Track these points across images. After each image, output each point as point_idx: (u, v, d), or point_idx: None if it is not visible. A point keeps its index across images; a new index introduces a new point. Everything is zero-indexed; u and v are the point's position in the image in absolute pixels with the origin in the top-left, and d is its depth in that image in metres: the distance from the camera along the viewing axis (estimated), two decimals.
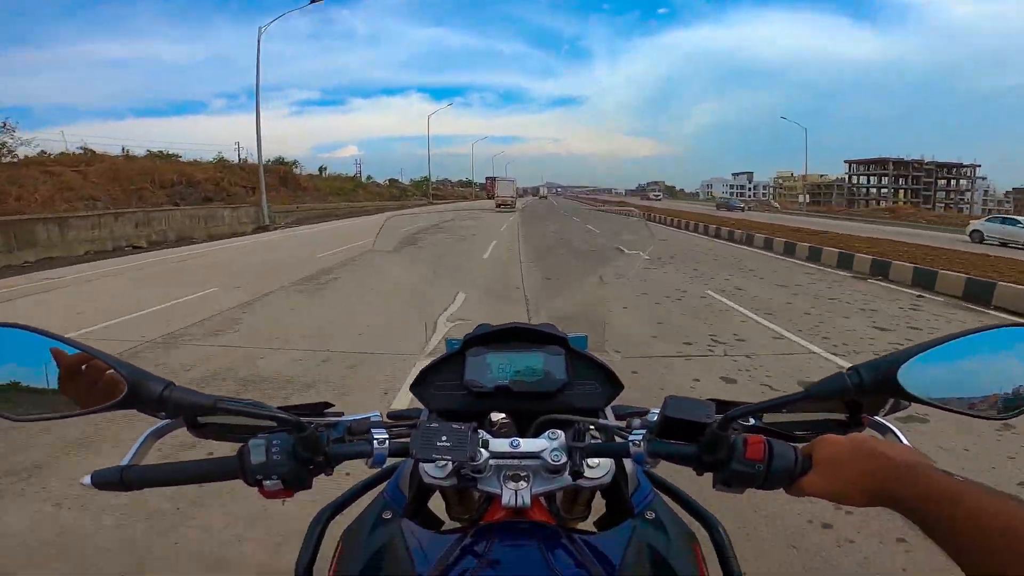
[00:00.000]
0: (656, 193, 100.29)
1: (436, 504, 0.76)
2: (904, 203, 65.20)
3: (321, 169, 46.61)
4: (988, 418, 0.52)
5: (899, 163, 76.79)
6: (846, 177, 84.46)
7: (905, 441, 0.60)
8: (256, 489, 0.58)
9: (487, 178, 65.02)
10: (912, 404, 0.54)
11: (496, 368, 0.74)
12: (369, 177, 57.60)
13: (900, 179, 76.23)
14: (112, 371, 0.52)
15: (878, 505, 0.48)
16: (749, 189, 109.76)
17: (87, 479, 0.57)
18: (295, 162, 40.64)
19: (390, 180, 61.10)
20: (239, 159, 31.43)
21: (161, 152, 28.87)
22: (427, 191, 55.78)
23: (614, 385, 0.76)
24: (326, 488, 0.65)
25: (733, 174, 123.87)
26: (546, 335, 0.77)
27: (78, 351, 0.52)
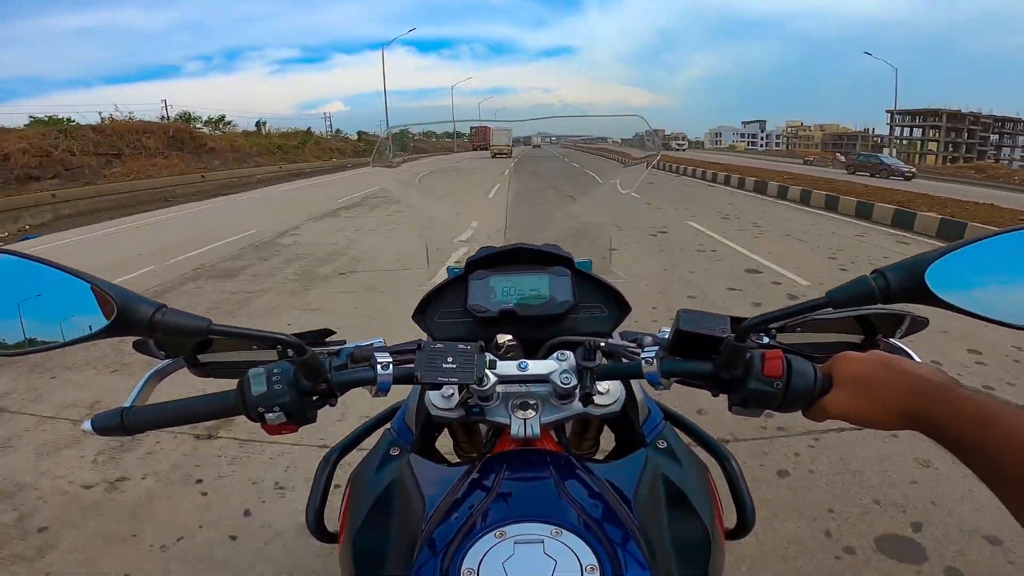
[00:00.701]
0: (680, 143, 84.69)
1: (443, 446, 0.75)
2: (955, 159, 58.89)
3: (259, 124, 37.28)
4: (1018, 327, 0.47)
5: (954, 115, 66.07)
6: (868, 129, 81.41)
7: (919, 361, 0.55)
8: (260, 426, 0.56)
9: (472, 127, 58.76)
10: (928, 326, 0.56)
11: (500, 291, 0.73)
12: (338, 131, 49.61)
13: (952, 132, 66.87)
14: (101, 294, 0.48)
15: (907, 428, 0.46)
16: (761, 138, 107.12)
17: (87, 424, 0.55)
18: (196, 118, 31.29)
19: (359, 133, 52.66)
20: (107, 119, 22.76)
21: None
22: (384, 147, 35.06)
23: (621, 307, 0.75)
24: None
25: (743, 122, 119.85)
26: (551, 255, 0.75)
27: (64, 274, 0.48)
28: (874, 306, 0.50)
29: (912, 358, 0.59)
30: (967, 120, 66.89)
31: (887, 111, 74.73)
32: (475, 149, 50.97)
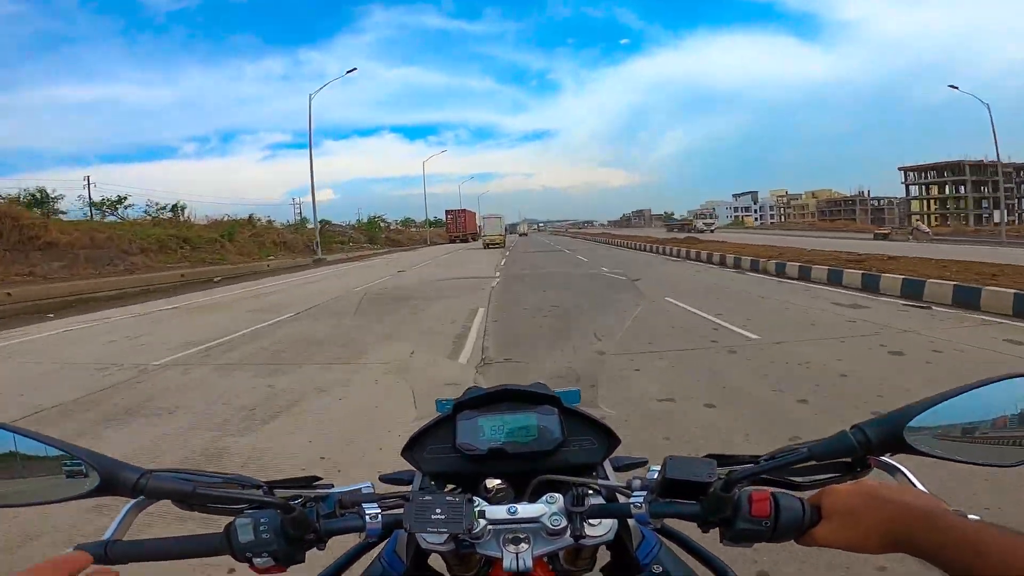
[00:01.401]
0: (708, 221, 71.73)
1: (436, 559, 0.73)
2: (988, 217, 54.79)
3: (176, 209, 29.21)
4: (999, 466, 0.53)
5: (977, 166, 61.89)
6: (863, 192, 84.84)
7: (916, 482, 0.58)
8: (247, 566, 0.58)
9: (448, 212, 53.20)
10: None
11: (488, 430, 0.73)
12: (303, 220, 40.30)
13: (970, 187, 62.65)
14: (85, 464, 0.55)
15: (896, 551, 0.48)
16: (755, 210, 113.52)
17: (69, 551, 0.55)
18: (55, 198, 24.49)
19: (322, 222, 39.22)
20: None
21: None
22: (313, 240, 30.87)
23: (611, 439, 0.75)
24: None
25: (734, 195, 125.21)
26: (538, 395, 0.76)
27: (47, 445, 0.55)
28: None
29: (906, 475, 0.60)
30: (988, 171, 59.51)
31: (899, 168, 69.54)
32: (452, 240, 51.47)
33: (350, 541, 0.69)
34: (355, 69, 37.17)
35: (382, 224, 57.92)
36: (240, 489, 0.61)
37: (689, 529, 0.67)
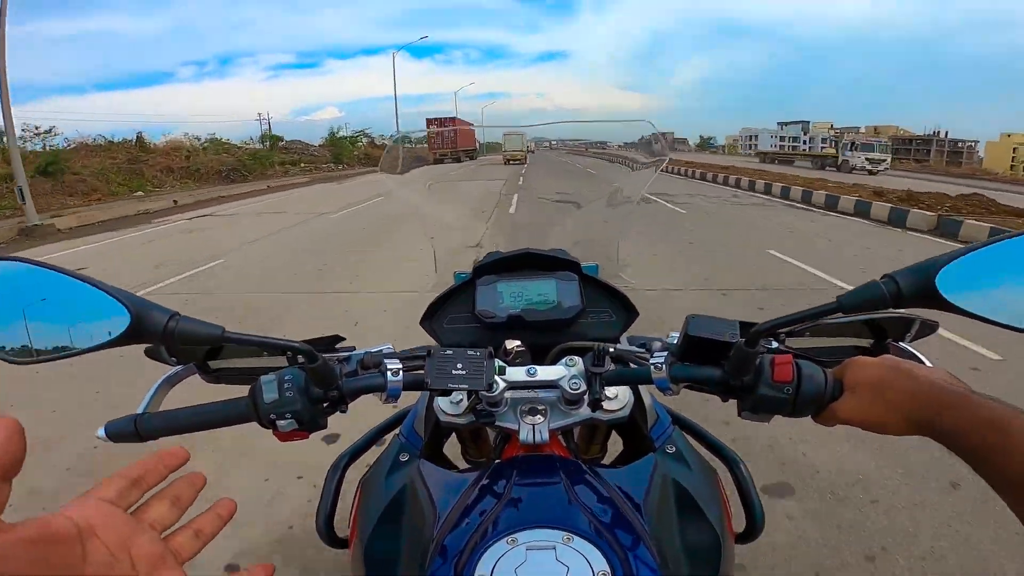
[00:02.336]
0: (876, 156, 33.21)
1: (451, 452, 0.76)
2: None
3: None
4: None
5: None
6: (937, 131, 68.22)
7: (930, 365, 0.55)
8: (271, 433, 0.57)
9: (430, 122, 38.98)
10: (938, 328, 0.54)
11: (508, 296, 0.73)
12: (272, 138, 36.04)
13: None
14: (115, 302, 0.49)
15: (919, 434, 0.46)
16: (804, 142, 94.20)
17: (101, 431, 0.56)
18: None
19: (330, 135, 41.99)
20: None
21: None
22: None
23: (630, 312, 0.75)
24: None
25: (780, 123, 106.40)
26: (558, 260, 0.76)
27: (77, 282, 0.48)
28: (884, 310, 0.51)
29: (923, 362, 0.60)
30: None
31: None
32: (437, 160, 33.01)
33: (370, 424, 0.75)
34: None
35: (362, 141, 45.60)
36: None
37: (702, 418, 0.73)
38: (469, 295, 0.74)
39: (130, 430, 0.55)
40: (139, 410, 0.60)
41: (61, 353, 0.48)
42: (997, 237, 0.47)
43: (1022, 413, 0.40)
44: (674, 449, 0.67)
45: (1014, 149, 63.71)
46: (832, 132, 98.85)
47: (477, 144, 55.68)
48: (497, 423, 0.62)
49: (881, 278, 0.49)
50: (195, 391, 0.70)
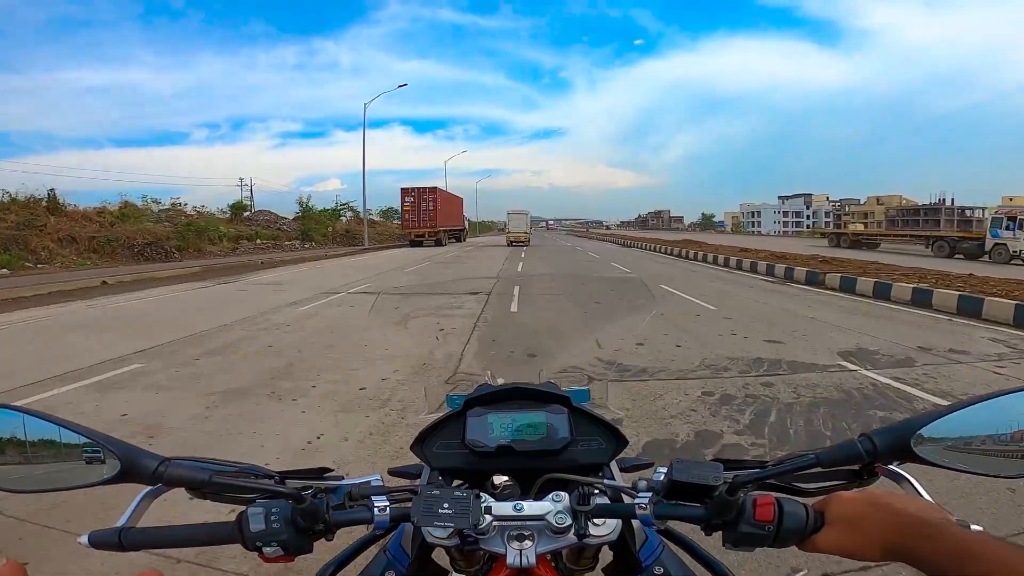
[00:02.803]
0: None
1: (440, 554, 0.76)
2: None
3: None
4: (1005, 477, 0.54)
5: None
6: (943, 199, 67.86)
7: (922, 491, 0.59)
8: (256, 554, 0.59)
9: (405, 193, 34.20)
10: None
11: (498, 427, 0.75)
12: (235, 207, 32.57)
13: None
14: (107, 450, 0.55)
15: (895, 561, 0.49)
16: (808, 216, 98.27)
17: (84, 538, 0.58)
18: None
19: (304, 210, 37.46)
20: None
21: None
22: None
23: (618, 441, 0.77)
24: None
25: (781, 197, 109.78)
26: (548, 394, 0.78)
27: (70, 431, 0.55)
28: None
29: (912, 484, 0.62)
30: None
31: None
32: (414, 242, 31.84)
33: (356, 533, 0.72)
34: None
35: (344, 214, 41.94)
36: (253, 479, 0.62)
37: (693, 533, 0.71)
38: (460, 424, 0.76)
39: (114, 541, 0.58)
40: (121, 522, 0.61)
41: (55, 487, 0.56)
42: (969, 399, 0.53)
43: (1001, 545, 0.43)
44: (662, 570, 0.69)
45: None
46: (832, 205, 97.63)
47: (466, 223, 46.49)
48: (483, 547, 0.63)
49: (859, 437, 0.55)
50: (175, 497, 0.69)
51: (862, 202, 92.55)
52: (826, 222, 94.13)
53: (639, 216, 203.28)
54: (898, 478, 0.64)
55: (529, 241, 35.77)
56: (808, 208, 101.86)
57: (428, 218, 33.63)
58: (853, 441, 0.56)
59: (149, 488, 0.65)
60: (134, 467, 0.56)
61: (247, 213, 35.18)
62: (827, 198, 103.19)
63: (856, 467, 0.62)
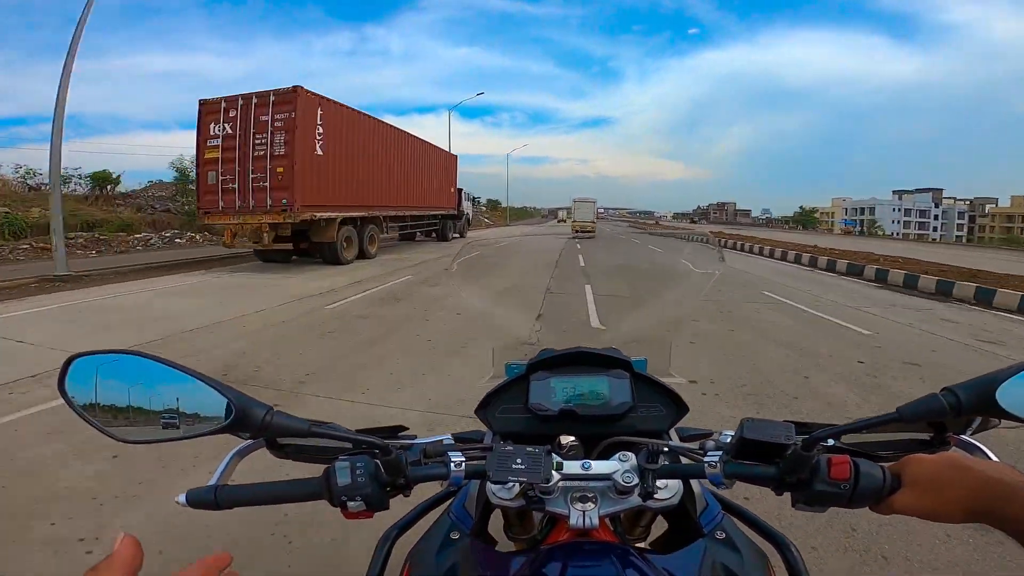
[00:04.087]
0: None
1: (493, 527, 0.77)
2: None
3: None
4: None
5: None
6: None
7: (995, 459, 0.59)
8: (339, 510, 0.60)
9: (205, 106, 11.10)
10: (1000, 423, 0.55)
11: (560, 391, 0.78)
12: (98, 177, 20.32)
13: None
14: (219, 395, 0.55)
15: (976, 521, 0.50)
16: (935, 217, 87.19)
17: (182, 497, 0.61)
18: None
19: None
20: None
21: None
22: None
23: (679, 407, 0.79)
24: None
25: (895, 192, 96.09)
26: (610, 359, 0.80)
27: (187, 376, 0.55)
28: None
29: (986, 453, 0.61)
30: None
31: None
32: (265, 255, 12.19)
33: (421, 498, 0.77)
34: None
35: None
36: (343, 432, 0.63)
37: (750, 504, 0.75)
38: (522, 389, 0.78)
39: (210, 499, 0.61)
40: (213, 480, 0.64)
41: (165, 437, 0.55)
42: None
43: None
44: (724, 535, 0.69)
45: None
46: (967, 204, 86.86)
47: (465, 203, 23.84)
48: (548, 508, 0.65)
49: (941, 391, 0.53)
50: (257, 460, 0.73)
51: (999, 203, 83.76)
52: (959, 223, 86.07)
53: (699, 207, 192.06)
54: (971, 448, 0.63)
55: (595, 230, 30.73)
56: (937, 207, 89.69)
57: (289, 182, 10.94)
58: (935, 395, 0.53)
59: (239, 446, 0.70)
60: (245, 414, 0.56)
61: (121, 188, 21.92)
62: (937, 196, 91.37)
63: (927, 437, 0.63)
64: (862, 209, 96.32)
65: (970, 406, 0.52)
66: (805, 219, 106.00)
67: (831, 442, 0.64)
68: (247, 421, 0.56)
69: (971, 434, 0.64)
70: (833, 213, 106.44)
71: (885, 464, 0.57)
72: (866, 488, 0.55)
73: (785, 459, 0.57)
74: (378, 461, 0.60)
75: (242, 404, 0.56)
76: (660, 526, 0.79)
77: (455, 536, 0.71)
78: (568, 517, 0.63)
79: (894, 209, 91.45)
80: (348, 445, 0.64)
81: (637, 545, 0.74)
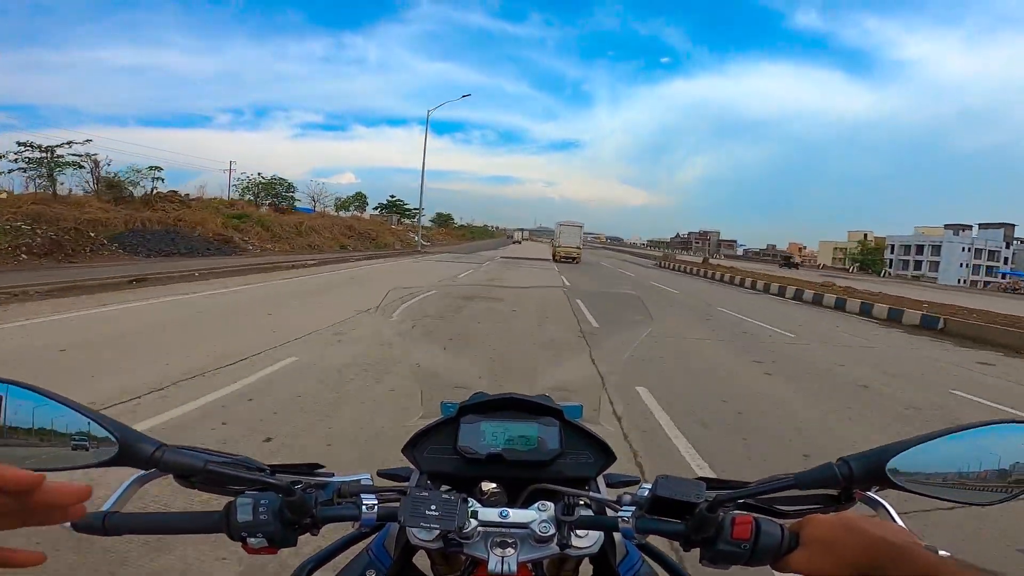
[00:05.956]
0: None
1: (421, 560, 0.78)
2: None
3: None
4: (977, 504, 0.56)
5: None
6: None
7: (896, 517, 0.62)
8: (240, 544, 0.60)
9: None
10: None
11: (490, 435, 0.78)
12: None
13: None
14: (103, 429, 0.55)
15: None
16: (1006, 258, 78.85)
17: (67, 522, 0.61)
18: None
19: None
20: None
21: None
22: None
23: (607, 456, 0.80)
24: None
25: (947, 226, 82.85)
26: (541, 406, 0.81)
27: (69, 409, 0.54)
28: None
29: (888, 511, 0.64)
30: None
31: None
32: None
33: (340, 531, 0.74)
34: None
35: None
36: (245, 470, 0.63)
37: (672, 553, 0.77)
38: (452, 430, 0.78)
39: (98, 524, 0.59)
40: (106, 506, 0.63)
41: (47, 467, 0.52)
42: (946, 429, 0.55)
43: (955, 565, 0.48)
44: None
45: None
46: None
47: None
48: (466, 551, 0.65)
49: (836, 461, 0.58)
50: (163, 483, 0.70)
51: None
52: None
53: (677, 235, 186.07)
54: (875, 504, 0.66)
55: (580, 258, 30.60)
56: (1008, 247, 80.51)
57: None
58: (830, 464, 0.58)
59: (139, 473, 0.66)
60: (130, 450, 0.56)
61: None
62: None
63: (835, 492, 0.64)
64: (920, 247, 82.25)
65: (860, 477, 0.57)
66: (868, 260, 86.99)
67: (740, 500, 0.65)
68: (133, 456, 0.56)
69: (877, 491, 0.66)
70: (842, 249, 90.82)
71: (787, 523, 0.59)
72: (765, 547, 0.57)
73: (693, 517, 0.59)
74: (283, 501, 0.60)
75: (128, 440, 0.55)
76: (589, 568, 0.79)
77: (371, 575, 0.73)
78: (487, 562, 0.64)
79: (963, 248, 79.51)
80: (260, 476, 0.63)
81: None
